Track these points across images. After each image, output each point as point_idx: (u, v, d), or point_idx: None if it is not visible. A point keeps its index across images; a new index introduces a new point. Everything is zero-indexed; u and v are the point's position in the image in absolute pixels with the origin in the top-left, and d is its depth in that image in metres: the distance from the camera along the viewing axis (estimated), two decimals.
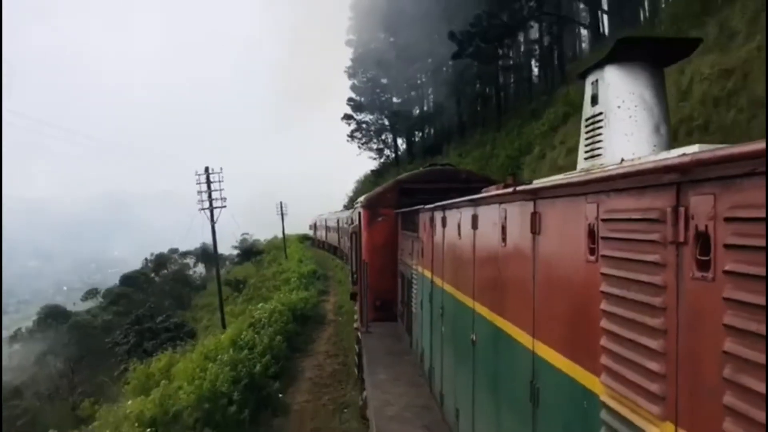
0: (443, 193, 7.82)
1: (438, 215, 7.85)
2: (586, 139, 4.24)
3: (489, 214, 5.24)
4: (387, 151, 55.18)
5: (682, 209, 2.17)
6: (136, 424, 14.58)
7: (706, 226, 2.02)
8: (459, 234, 6.47)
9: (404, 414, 7.97)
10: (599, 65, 4.04)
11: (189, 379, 16.71)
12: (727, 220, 1.90)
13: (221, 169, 34.84)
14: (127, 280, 46.05)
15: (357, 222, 15.35)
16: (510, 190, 4.32)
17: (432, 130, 51.39)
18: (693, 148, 2.44)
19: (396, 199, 14.20)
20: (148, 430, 14.41)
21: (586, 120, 4.26)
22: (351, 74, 58.70)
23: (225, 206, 34.11)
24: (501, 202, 4.79)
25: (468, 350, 5.95)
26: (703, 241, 2.05)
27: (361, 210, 15.05)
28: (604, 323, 2.79)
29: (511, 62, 35.87)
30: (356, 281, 15.25)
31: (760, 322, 1.73)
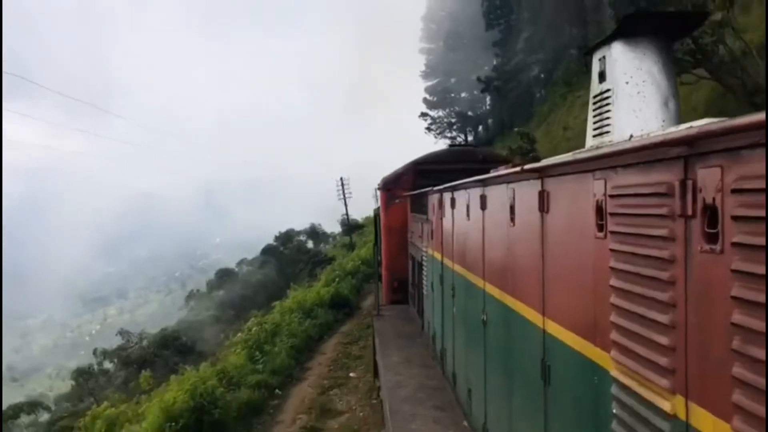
0: (460, 173, 7.69)
1: (447, 197, 7.85)
2: (594, 116, 4.21)
3: (497, 194, 5.24)
4: (459, 140, 64.00)
5: (689, 182, 2.17)
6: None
7: (714, 199, 2.01)
8: (468, 215, 6.47)
9: (417, 395, 8.04)
10: (606, 41, 4.00)
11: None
12: (735, 191, 1.89)
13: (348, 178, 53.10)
14: (266, 250, 58.85)
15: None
16: (517, 169, 4.31)
17: (488, 125, 61.37)
18: (701, 122, 2.42)
19: (412, 180, 14.15)
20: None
21: (594, 97, 4.23)
22: (424, 77, 70.08)
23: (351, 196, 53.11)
24: (509, 182, 4.78)
25: (479, 330, 5.98)
26: (711, 213, 2.04)
27: (378, 192, 15.10)
28: (614, 299, 2.80)
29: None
30: (380, 263, 15.38)
31: None
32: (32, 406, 18.86)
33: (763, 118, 1.57)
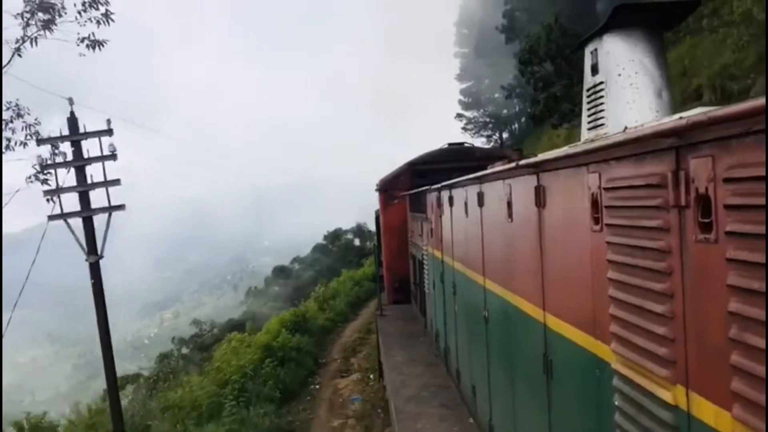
0: (457, 172, 7.66)
1: (445, 195, 7.86)
2: (589, 109, 4.22)
3: (494, 191, 5.24)
4: (495, 137, 67.09)
5: (682, 173, 2.17)
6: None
7: (707, 188, 2.02)
8: (466, 212, 6.48)
9: (421, 394, 8.05)
10: (598, 34, 4.01)
11: None
12: (726, 180, 1.89)
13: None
14: (316, 248, 62.77)
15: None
16: (513, 165, 4.31)
17: (521, 125, 63.59)
18: (693, 112, 2.42)
19: (409, 180, 14.13)
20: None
21: (587, 90, 4.23)
22: (459, 80, 73.48)
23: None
24: (505, 178, 4.79)
25: (481, 327, 5.99)
26: (704, 203, 2.05)
27: (377, 193, 15.12)
28: (612, 291, 2.81)
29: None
30: (381, 264, 15.42)
31: (763, 280, 1.74)
32: (135, 377, 22.33)
33: (755, 105, 1.58)
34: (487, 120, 66.22)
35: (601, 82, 4.02)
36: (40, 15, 12.61)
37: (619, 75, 3.91)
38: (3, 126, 12.22)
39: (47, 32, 12.65)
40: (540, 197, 3.91)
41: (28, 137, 12.43)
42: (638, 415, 2.62)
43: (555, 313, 3.78)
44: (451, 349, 8.28)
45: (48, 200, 10.43)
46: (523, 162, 4.12)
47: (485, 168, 5.75)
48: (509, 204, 4.72)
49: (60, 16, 12.70)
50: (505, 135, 64.59)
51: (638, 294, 2.56)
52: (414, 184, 13.21)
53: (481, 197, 5.76)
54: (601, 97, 4.03)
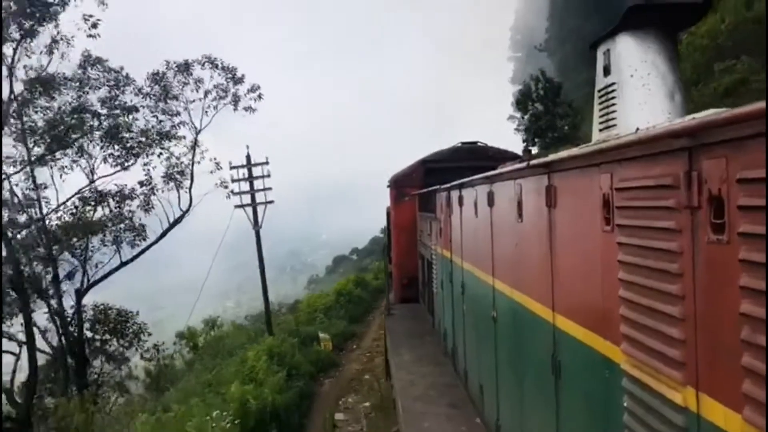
0: (468, 171, 7.61)
1: (455, 195, 7.85)
2: (600, 110, 4.20)
3: (504, 191, 5.23)
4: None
5: (694, 174, 2.16)
6: None
7: (719, 189, 2.01)
8: (476, 212, 6.47)
9: (429, 393, 8.05)
10: (610, 35, 3.99)
11: None
12: (740, 181, 1.89)
13: None
14: (373, 240, 65.51)
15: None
16: (523, 165, 4.30)
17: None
18: (705, 113, 2.42)
19: (421, 178, 14.09)
20: None
21: (599, 91, 4.21)
22: (512, 82, 76.60)
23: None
24: (516, 178, 4.78)
25: (489, 327, 5.98)
26: (717, 204, 2.04)
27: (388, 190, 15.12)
28: (623, 292, 2.80)
29: None
30: (390, 261, 15.42)
31: None
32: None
33: (764, 107, 1.57)
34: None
35: (613, 83, 4.00)
36: None
37: (632, 76, 3.89)
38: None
39: None
40: (551, 197, 3.90)
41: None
42: (647, 417, 2.61)
43: (564, 314, 3.77)
44: (459, 348, 8.27)
45: (229, 197, 20.14)
46: (534, 162, 4.11)
47: (497, 167, 5.74)
48: (519, 204, 4.71)
49: None
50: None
51: (649, 295, 2.55)
52: (425, 182, 13.18)
53: (491, 197, 5.75)
54: (613, 98, 4.01)
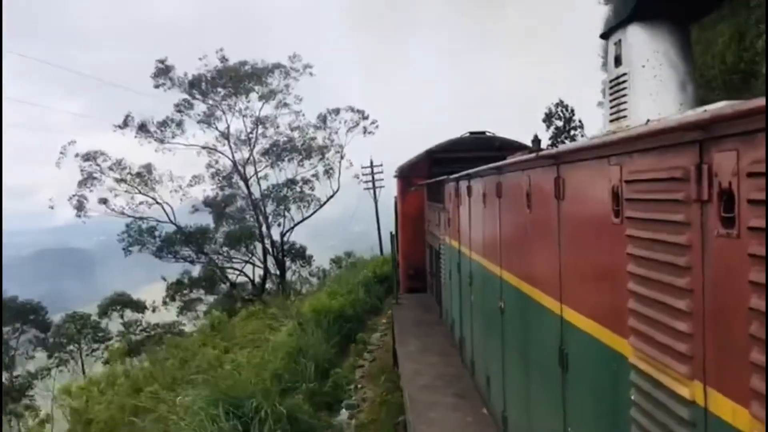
0: (476, 161, 7.59)
1: (463, 185, 7.83)
2: (611, 101, 4.16)
3: (513, 182, 5.22)
4: None
5: (705, 167, 2.14)
6: None
7: (730, 183, 1.99)
8: (484, 203, 6.46)
9: (435, 383, 8.07)
10: (622, 24, 3.94)
11: None
12: (750, 175, 1.86)
13: None
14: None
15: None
16: (533, 155, 4.28)
17: None
18: (717, 105, 2.39)
19: (428, 168, 14.05)
20: None
21: (610, 81, 4.17)
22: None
23: None
24: (524, 169, 4.76)
25: (497, 318, 5.98)
26: (727, 197, 2.02)
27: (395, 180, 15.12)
28: (631, 285, 2.78)
29: None
30: (398, 251, 15.43)
31: None
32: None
33: None
34: None
35: (624, 74, 3.95)
36: None
37: (643, 66, 3.84)
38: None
39: None
40: (559, 189, 3.88)
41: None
42: (655, 411, 2.60)
43: (572, 306, 3.76)
44: (467, 339, 8.29)
45: (359, 183, 45.32)
46: (543, 153, 4.09)
47: (504, 158, 5.72)
48: (528, 195, 4.69)
49: None
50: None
51: (658, 288, 2.54)
52: (432, 172, 13.14)
53: (499, 188, 5.73)
54: (624, 88, 3.97)
